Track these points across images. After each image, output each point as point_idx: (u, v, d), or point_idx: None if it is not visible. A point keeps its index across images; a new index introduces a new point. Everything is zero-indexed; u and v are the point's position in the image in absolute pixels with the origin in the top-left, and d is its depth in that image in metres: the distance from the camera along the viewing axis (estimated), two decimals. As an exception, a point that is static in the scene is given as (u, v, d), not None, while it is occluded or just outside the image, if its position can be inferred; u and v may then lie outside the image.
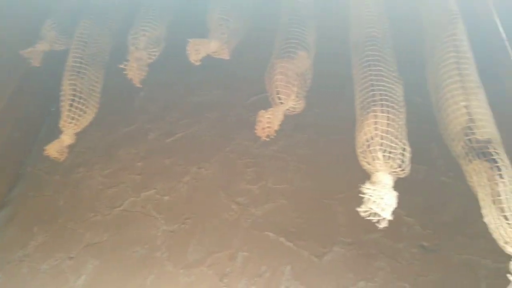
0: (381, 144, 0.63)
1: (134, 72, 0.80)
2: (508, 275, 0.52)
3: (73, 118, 0.81)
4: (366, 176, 0.77)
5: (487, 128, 0.62)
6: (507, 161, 0.60)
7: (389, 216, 0.58)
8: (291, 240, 0.92)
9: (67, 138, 0.80)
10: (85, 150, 1.14)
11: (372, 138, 0.64)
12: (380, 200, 0.58)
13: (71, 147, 1.02)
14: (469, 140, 0.62)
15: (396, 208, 0.94)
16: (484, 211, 0.59)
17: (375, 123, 0.65)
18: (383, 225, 0.58)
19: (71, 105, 0.81)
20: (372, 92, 0.69)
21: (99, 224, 1.01)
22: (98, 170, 1.10)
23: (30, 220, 1.03)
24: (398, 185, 0.80)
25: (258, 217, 0.96)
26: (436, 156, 0.95)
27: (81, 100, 0.82)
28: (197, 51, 0.78)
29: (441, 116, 0.68)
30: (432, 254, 0.88)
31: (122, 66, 0.80)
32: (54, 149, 0.79)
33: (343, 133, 0.98)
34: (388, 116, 0.65)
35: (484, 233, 0.85)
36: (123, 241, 0.97)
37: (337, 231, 0.87)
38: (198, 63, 0.82)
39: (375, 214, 0.58)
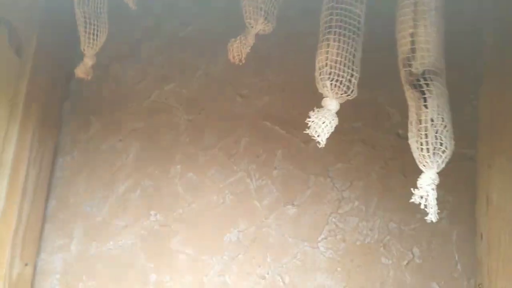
0: (330, 73, 0.70)
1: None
2: (414, 189, 0.65)
3: (89, 42, 0.95)
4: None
5: (425, 59, 0.64)
6: (438, 91, 0.65)
7: (323, 142, 0.71)
8: (284, 129, 1.09)
9: (88, 60, 0.97)
10: (113, 49, 1.31)
11: (323, 67, 0.71)
12: (318, 126, 0.70)
13: (105, 46, 1.19)
14: (405, 71, 0.66)
15: (380, 99, 1.04)
16: (409, 134, 0.68)
17: (327, 52, 0.71)
18: (321, 145, 0.72)
19: (85, 31, 0.94)
20: (330, 16, 0.72)
21: (136, 113, 1.25)
22: (127, 64, 1.28)
23: (86, 110, 1.31)
24: (384, 72, 0.88)
25: (259, 108, 1.12)
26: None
27: (92, 26, 0.95)
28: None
29: (396, 38, 0.71)
30: (404, 140, 0.99)
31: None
32: (81, 71, 0.97)
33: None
34: (339, 45, 0.70)
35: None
36: (155, 127, 1.22)
37: (324, 120, 0.97)
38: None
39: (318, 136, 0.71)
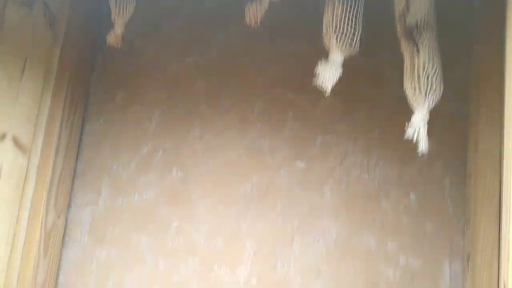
0: (335, 29, 0.82)
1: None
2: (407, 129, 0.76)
3: (119, 12, 1.07)
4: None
5: (417, 12, 0.75)
6: (427, 42, 0.76)
7: (329, 90, 0.82)
8: (294, 94, 1.20)
9: (118, 28, 1.09)
10: (137, 26, 1.42)
11: (329, 23, 0.82)
12: (324, 74, 0.81)
13: (129, 23, 1.30)
14: (400, 25, 0.77)
15: (381, 64, 1.14)
16: (404, 79, 0.79)
17: (333, 10, 0.82)
18: (327, 94, 0.82)
19: (115, 2, 1.06)
20: (334, -17, 0.83)
21: (159, 83, 1.37)
22: (150, 40, 1.40)
23: (112, 82, 1.43)
24: (385, 39, 0.98)
25: (271, 75, 1.24)
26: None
27: (122, -2, 1.07)
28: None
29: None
30: (403, 100, 1.10)
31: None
32: (111, 38, 1.09)
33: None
34: (343, 5, 0.81)
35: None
36: (176, 95, 1.34)
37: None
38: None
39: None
